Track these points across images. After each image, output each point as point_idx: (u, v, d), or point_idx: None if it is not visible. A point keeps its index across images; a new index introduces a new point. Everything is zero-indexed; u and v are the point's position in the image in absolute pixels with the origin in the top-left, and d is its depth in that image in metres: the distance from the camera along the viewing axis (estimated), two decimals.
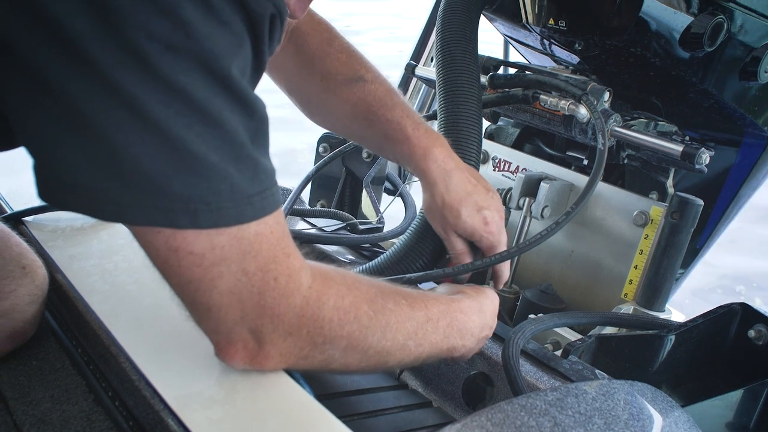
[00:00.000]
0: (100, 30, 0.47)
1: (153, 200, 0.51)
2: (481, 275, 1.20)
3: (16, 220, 0.90)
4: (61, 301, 0.76)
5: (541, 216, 1.09)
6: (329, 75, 0.89)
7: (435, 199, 0.85)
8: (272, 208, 0.56)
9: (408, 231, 0.94)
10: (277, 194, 0.58)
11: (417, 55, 1.61)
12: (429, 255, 0.92)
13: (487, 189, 0.87)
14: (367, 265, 0.94)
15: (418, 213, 0.94)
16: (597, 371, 0.81)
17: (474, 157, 0.93)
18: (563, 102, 1.02)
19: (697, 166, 0.97)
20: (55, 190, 0.52)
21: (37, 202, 0.94)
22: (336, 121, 0.95)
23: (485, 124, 1.26)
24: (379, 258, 0.94)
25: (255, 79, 0.58)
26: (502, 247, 0.86)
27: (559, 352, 0.85)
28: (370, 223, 1.21)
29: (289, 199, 1.09)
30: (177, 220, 0.51)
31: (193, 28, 0.49)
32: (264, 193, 0.55)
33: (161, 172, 0.50)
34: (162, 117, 0.49)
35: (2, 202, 0.97)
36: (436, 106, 1.00)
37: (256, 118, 0.55)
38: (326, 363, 0.62)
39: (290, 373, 0.64)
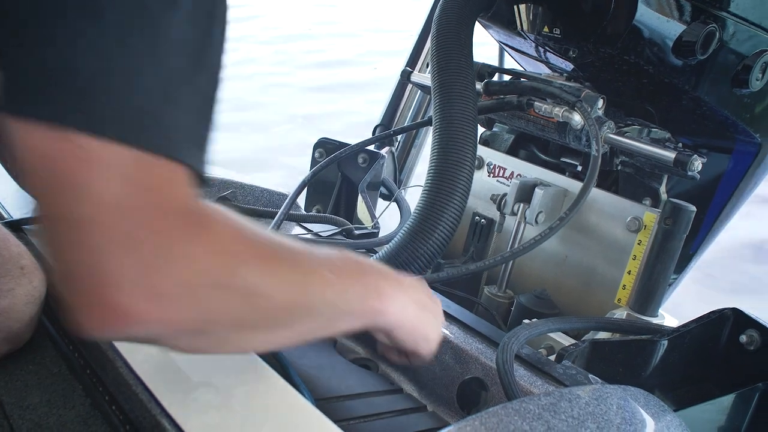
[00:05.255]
0: None
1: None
2: (476, 280, 1.20)
3: (15, 227, 0.90)
4: (58, 305, 0.77)
5: (536, 221, 1.10)
6: None
7: None
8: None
9: (402, 231, 0.94)
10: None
11: (412, 61, 1.62)
12: (425, 258, 0.92)
13: None
14: None
15: (412, 212, 0.95)
16: (590, 376, 0.81)
17: (469, 163, 0.94)
18: (557, 109, 1.03)
19: (689, 173, 0.98)
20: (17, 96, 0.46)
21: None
22: None
23: (480, 130, 1.27)
24: (371, 258, 0.94)
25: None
26: None
27: (552, 357, 0.86)
28: (365, 228, 1.21)
29: (285, 204, 1.09)
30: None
31: None
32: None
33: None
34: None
35: (0, 209, 0.97)
36: (431, 112, 1.01)
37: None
38: (244, 280, 0.53)
39: (289, 378, 0.65)
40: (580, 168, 1.18)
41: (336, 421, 0.59)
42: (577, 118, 1.02)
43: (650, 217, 1.01)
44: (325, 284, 0.60)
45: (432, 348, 0.75)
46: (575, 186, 1.11)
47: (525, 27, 1.12)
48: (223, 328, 0.54)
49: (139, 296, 0.47)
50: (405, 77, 1.36)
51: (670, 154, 0.98)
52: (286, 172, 4.19)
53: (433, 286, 0.99)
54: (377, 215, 1.27)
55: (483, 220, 1.21)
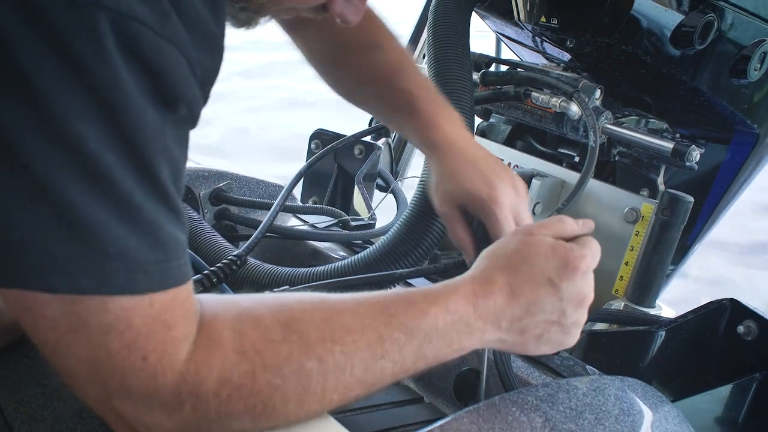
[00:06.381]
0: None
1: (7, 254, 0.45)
2: None
3: None
4: None
5: (533, 212, 1.09)
6: (344, 41, 0.85)
7: (436, 171, 0.79)
8: (160, 284, 0.49)
9: (399, 222, 0.94)
10: (178, 267, 0.50)
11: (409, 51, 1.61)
12: (421, 250, 0.92)
13: (497, 162, 0.79)
14: (357, 257, 0.94)
15: (409, 203, 0.94)
16: (588, 367, 0.81)
17: None
18: (555, 99, 1.03)
19: (687, 164, 0.97)
20: None
21: None
22: (349, 90, 0.91)
23: (477, 120, 1.26)
24: (368, 250, 0.94)
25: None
26: (520, 221, 0.76)
27: None
28: (362, 219, 1.21)
29: (280, 195, 1.09)
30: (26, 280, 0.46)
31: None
32: (158, 265, 0.48)
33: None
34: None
35: None
36: None
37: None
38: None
39: None
40: (577, 159, 1.18)
41: (332, 413, 0.59)
42: (574, 109, 1.01)
43: (648, 208, 1.01)
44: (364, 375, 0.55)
45: (554, 349, 0.65)
46: (572, 177, 1.11)
47: (522, 17, 1.11)
48: None
49: (157, 419, 0.50)
50: None
51: (668, 145, 0.98)
52: None
53: (431, 277, 0.98)
54: (374, 206, 1.26)
55: None
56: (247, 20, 0.61)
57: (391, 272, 0.88)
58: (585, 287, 0.62)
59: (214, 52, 0.52)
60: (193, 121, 0.51)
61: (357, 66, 0.86)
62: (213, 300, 0.54)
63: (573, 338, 0.64)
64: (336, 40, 0.86)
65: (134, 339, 0.48)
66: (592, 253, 0.63)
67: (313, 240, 1.12)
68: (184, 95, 0.48)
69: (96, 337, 0.47)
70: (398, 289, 0.60)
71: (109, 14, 0.43)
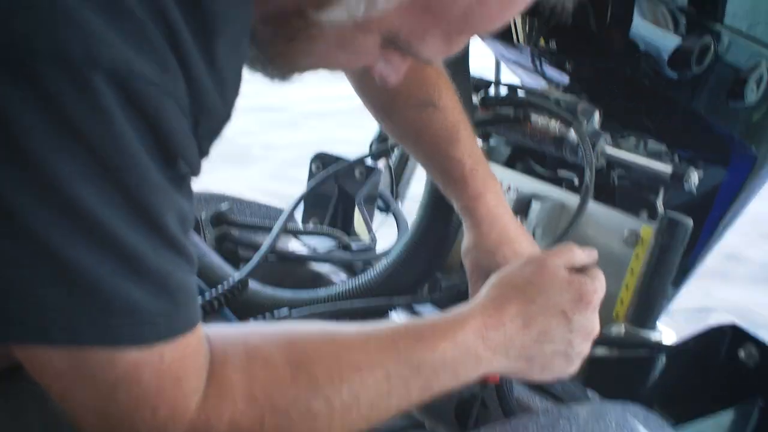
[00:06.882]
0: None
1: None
2: None
3: None
4: None
5: (533, 235, 1.09)
6: (398, 94, 0.85)
7: (474, 239, 0.83)
8: (166, 333, 0.48)
9: (397, 247, 0.94)
10: (186, 313, 0.50)
11: None
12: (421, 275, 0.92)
13: (532, 243, 0.86)
14: (352, 282, 0.94)
15: (410, 227, 0.95)
16: (588, 391, 0.81)
17: None
18: (554, 123, 1.03)
19: (686, 186, 0.98)
20: None
21: None
22: (397, 138, 0.95)
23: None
24: (365, 275, 0.94)
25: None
26: None
27: None
28: (362, 242, 1.21)
29: (281, 217, 1.09)
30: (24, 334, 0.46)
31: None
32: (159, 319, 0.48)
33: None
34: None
35: None
36: None
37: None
38: None
39: None
40: (577, 181, 1.18)
41: None
42: (573, 132, 1.02)
43: (647, 230, 1.01)
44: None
45: (555, 377, 0.68)
46: (573, 200, 1.11)
47: (521, 39, 1.12)
48: None
49: None
50: None
51: (667, 168, 0.98)
52: None
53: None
54: (374, 228, 1.26)
55: None
56: (281, 77, 0.61)
57: (388, 297, 0.89)
58: (594, 320, 0.66)
59: (212, 112, 0.51)
60: (193, 171, 0.51)
61: (409, 121, 0.86)
62: (221, 337, 0.55)
63: (575, 367, 0.67)
64: (386, 89, 0.85)
65: (143, 394, 0.48)
66: (601, 287, 0.66)
67: (315, 261, 1.12)
68: (184, 150, 0.48)
69: (103, 390, 0.48)
70: (407, 321, 0.62)
71: (106, 71, 0.42)
